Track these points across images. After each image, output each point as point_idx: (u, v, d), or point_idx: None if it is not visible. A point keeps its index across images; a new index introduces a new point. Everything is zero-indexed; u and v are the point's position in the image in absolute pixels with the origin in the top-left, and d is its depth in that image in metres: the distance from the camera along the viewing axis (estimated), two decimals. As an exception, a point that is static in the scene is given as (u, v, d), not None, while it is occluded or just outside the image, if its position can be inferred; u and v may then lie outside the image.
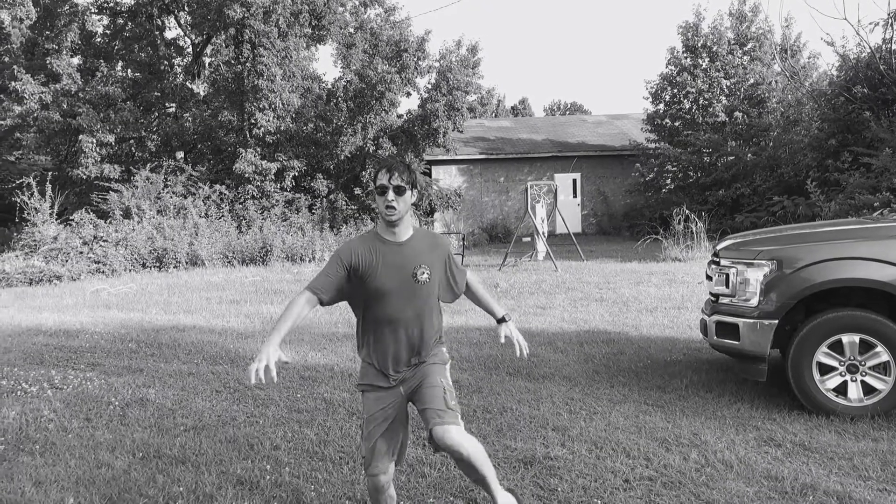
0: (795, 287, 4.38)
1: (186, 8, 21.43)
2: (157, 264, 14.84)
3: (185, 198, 17.19)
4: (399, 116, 20.53)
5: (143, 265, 14.78)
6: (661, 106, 21.77)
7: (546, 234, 14.62)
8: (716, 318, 4.78)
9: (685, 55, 21.24)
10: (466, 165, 23.38)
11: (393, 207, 2.69)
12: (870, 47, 15.61)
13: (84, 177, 18.47)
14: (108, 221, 15.49)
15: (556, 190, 15.89)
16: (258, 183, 18.47)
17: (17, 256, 13.92)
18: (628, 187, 22.28)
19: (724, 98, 20.59)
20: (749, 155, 19.18)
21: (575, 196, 23.50)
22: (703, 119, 20.67)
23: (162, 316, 8.89)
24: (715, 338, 4.80)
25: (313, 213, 18.83)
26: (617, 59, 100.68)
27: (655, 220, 18.10)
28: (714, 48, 20.73)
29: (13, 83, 18.49)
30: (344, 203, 19.45)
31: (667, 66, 21.56)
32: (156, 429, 4.44)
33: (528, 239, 15.37)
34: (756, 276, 4.53)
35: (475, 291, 3.11)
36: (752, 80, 20.70)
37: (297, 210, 18.78)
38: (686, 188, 20.26)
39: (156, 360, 6.39)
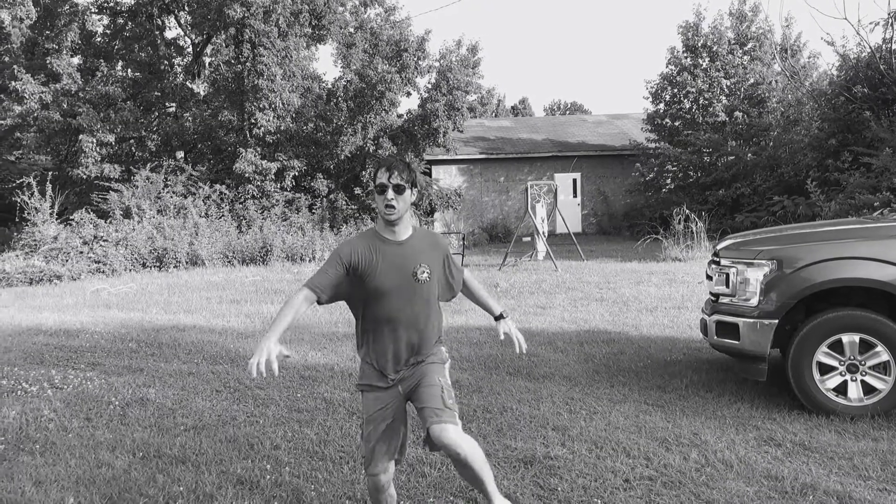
0: (795, 287, 4.39)
1: (186, 8, 21.44)
2: (158, 264, 14.84)
3: (186, 197, 17.19)
4: (399, 116, 20.53)
5: (144, 265, 14.79)
6: (662, 106, 21.77)
7: (546, 234, 14.62)
8: (716, 317, 4.78)
9: (685, 55, 21.24)
10: (466, 165, 23.38)
11: (392, 206, 2.69)
12: (870, 47, 15.61)
13: (84, 176, 18.47)
14: (108, 221, 15.48)
15: (556, 190, 15.89)
16: (258, 183, 18.47)
17: (17, 256, 13.92)
18: (628, 187, 22.28)
19: (724, 98, 20.59)
20: (749, 155, 19.18)
21: (575, 196, 23.50)
22: (704, 119, 20.67)
23: (162, 316, 8.89)
24: (715, 337, 4.80)
25: (313, 213, 18.83)
26: (617, 59, 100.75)
27: (655, 220, 18.10)
28: (714, 48, 20.73)
29: (13, 83, 18.50)
30: (344, 203, 19.45)
31: (667, 66, 21.56)
32: (156, 428, 4.44)
33: (529, 239, 15.37)
34: (756, 275, 4.53)
35: (472, 289, 3.11)
36: (752, 80, 20.70)
37: (298, 210, 18.78)
38: (686, 188, 20.26)
39: (156, 359, 6.39)
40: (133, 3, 21.79)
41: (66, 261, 13.85)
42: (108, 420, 4.63)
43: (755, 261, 4.57)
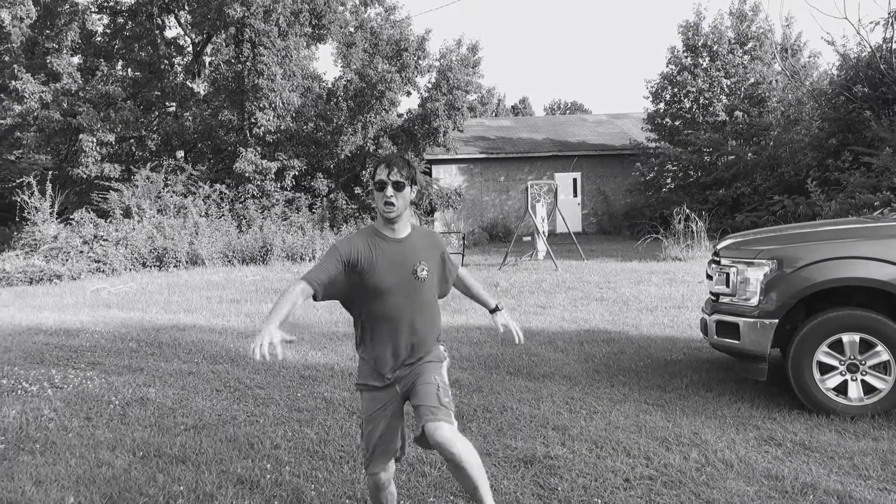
0: (796, 286, 4.38)
1: (186, 7, 21.44)
2: (158, 263, 14.85)
3: (186, 197, 17.20)
4: (399, 116, 20.52)
5: (144, 264, 14.79)
6: (662, 105, 21.77)
7: (546, 234, 14.62)
8: (716, 317, 4.78)
9: (685, 54, 21.23)
10: (467, 165, 23.37)
11: (392, 204, 2.67)
12: (870, 46, 15.60)
13: (84, 176, 18.47)
14: (108, 221, 15.48)
15: (556, 189, 15.89)
16: (258, 182, 18.47)
17: (17, 255, 13.92)
18: (629, 187, 22.28)
19: (724, 97, 20.59)
20: (749, 154, 19.18)
21: (575, 195, 23.49)
22: (704, 118, 20.67)
23: (162, 315, 8.89)
24: (715, 337, 4.80)
25: (313, 213, 18.83)
26: (617, 59, 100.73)
27: (656, 220, 18.10)
28: (714, 47, 20.72)
29: (13, 82, 18.50)
30: (344, 202, 19.45)
31: (667, 66, 21.55)
32: (156, 428, 4.44)
33: (529, 238, 15.37)
34: (756, 275, 4.53)
35: (467, 284, 3.11)
36: (752, 80, 20.70)
37: (298, 209, 18.78)
38: (686, 187, 20.26)
39: (156, 359, 6.39)
40: (133, 2, 21.79)
41: (66, 260, 13.85)
42: (108, 419, 4.63)
43: (755, 260, 4.57)
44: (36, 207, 15.03)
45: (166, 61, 22.46)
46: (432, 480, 3.53)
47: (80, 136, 18.35)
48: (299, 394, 5.13)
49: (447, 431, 2.58)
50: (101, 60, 21.59)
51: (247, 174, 18.21)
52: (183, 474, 3.67)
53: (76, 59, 21.84)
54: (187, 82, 22.15)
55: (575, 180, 23.47)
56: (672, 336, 6.86)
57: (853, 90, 15.41)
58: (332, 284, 2.66)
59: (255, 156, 18.41)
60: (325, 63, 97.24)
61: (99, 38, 22.80)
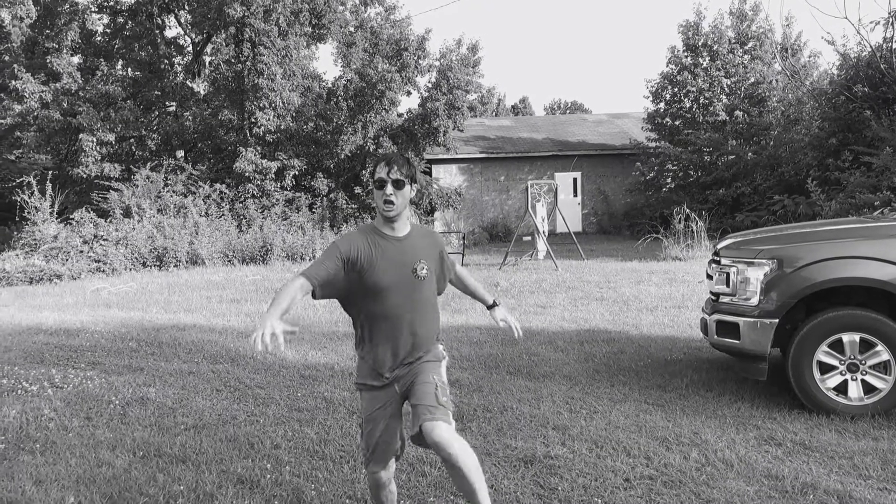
0: (796, 286, 4.38)
1: (186, 7, 21.44)
2: (158, 263, 14.85)
3: (186, 197, 17.20)
4: (399, 115, 20.52)
5: (144, 264, 14.79)
6: (662, 105, 21.76)
7: (546, 234, 14.62)
8: (716, 317, 4.78)
9: (686, 54, 21.23)
10: (467, 164, 23.37)
11: (391, 202, 2.66)
12: (870, 46, 15.60)
13: (84, 176, 18.47)
14: (108, 220, 15.49)
15: (556, 189, 15.88)
16: (258, 182, 18.47)
17: (17, 255, 13.92)
18: (629, 186, 22.27)
19: (724, 97, 20.58)
20: (749, 154, 19.17)
21: (575, 195, 23.49)
22: (704, 118, 20.66)
23: (162, 315, 8.89)
24: (715, 337, 4.80)
25: (313, 212, 18.83)
26: (617, 58, 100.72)
27: (656, 219, 18.09)
28: (715, 47, 20.71)
29: (13, 82, 18.50)
30: (344, 202, 19.45)
31: (667, 65, 21.55)
32: (156, 427, 4.44)
33: (529, 238, 15.37)
34: (756, 275, 4.53)
35: (465, 281, 3.11)
36: (752, 79, 20.69)
37: (298, 209, 18.78)
38: (686, 187, 20.26)
39: (156, 358, 6.39)
40: (133, 2, 21.79)
41: (67, 260, 13.85)
42: (108, 419, 4.63)
43: (755, 260, 4.57)
44: (36, 207, 15.03)
45: (166, 61, 22.46)
46: (432, 480, 3.53)
47: (80, 135, 18.35)
48: (299, 393, 5.13)
49: (444, 431, 2.55)
50: (101, 60, 21.59)
51: (247, 174, 18.21)
52: (183, 474, 3.67)
53: (76, 59, 21.85)
54: (187, 82, 22.16)
55: (575, 180, 23.47)
56: (672, 336, 6.86)
57: (853, 90, 15.41)
58: (330, 282, 2.63)
59: (255, 155, 18.41)
60: (325, 63, 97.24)
61: (99, 38, 22.80)
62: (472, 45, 20.17)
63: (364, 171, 19.55)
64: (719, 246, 5.12)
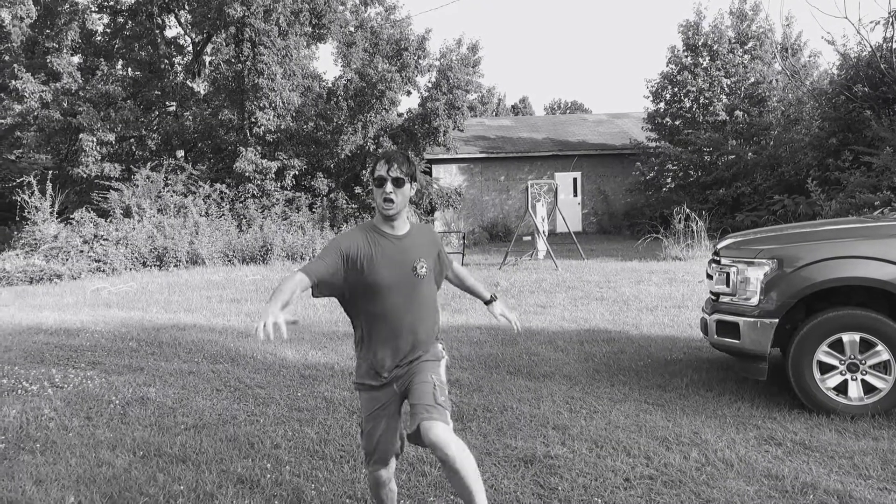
0: (796, 286, 4.38)
1: (187, 6, 21.44)
2: (158, 263, 14.85)
3: (186, 196, 17.20)
4: (399, 115, 20.52)
5: (144, 264, 14.79)
6: (662, 105, 21.76)
7: (546, 233, 14.62)
8: (716, 316, 4.78)
9: (686, 54, 21.22)
10: (467, 164, 23.37)
11: (391, 200, 2.64)
12: (870, 46, 15.60)
13: (84, 175, 18.47)
14: (108, 220, 15.49)
15: (556, 189, 15.88)
16: (258, 182, 18.47)
17: (17, 255, 13.92)
18: (629, 186, 22.27)
19: (724, 97, 20.58)
20: (749, 154, 19.17)
21: (575, 195, 23.49)
22: (704, 118, 20.66)
23: (162, 315, 8.89)
24: (715, 336, 4.80)
25: (314, 212, 18.83)
26: (617, 58, 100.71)
27: (656, 219, 18.09)
28: (715, 47, 20.71)
29: (13, 82, 18.50)
30: (344, 202, 19.45)
31: (667, 65, 21.54)
32: (156, 427, 4.44)
33: (529, 238, 15.37)
34: (756, 274, 4.53)
35: (462, 277, 3.10)
36: (752, 79, 20.69)
37: (298, 209, 18.77)
38: (686, 187, 20.26)
39: (156, 358, 6.39)
40: (133, 1, 21.80)
41: (67, 260, 13.85)
42: (108, 419, 4.63)
43: (756, 260, 4.57)
44: (36, 207, 15.04)
45: (166, 61, 22.46)
46: (432, 480, 3.53)
47: (81, 135, 18.35)
48: (299, 393, 5.13)
49: (442, 431, 2.52)
50: (101, 60, 21.60)
51: (247, 174, 18.21)
52: (183, 474, 3.67)
53: (76, 59, 21.85)
54: (187, 82, 22.16)
55: (575, 180, 23.47)
56: (672, 335, 6.86)
57: (853, 90, 15.41)
58: (329, 279, 2.61)
59: (255, 155, 18.41)
60: (325, 62, 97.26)
61: (99, 38, 22.80)
62: (472, 44, 20.18)
63: (364, 171, 19.55)
64: (719, 246, 5.12)
